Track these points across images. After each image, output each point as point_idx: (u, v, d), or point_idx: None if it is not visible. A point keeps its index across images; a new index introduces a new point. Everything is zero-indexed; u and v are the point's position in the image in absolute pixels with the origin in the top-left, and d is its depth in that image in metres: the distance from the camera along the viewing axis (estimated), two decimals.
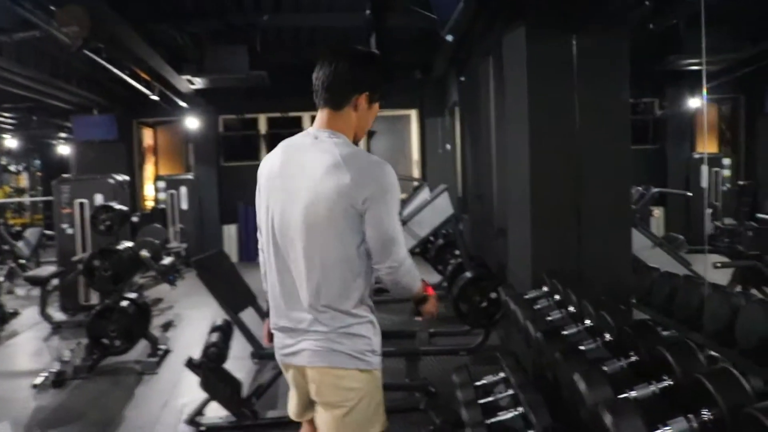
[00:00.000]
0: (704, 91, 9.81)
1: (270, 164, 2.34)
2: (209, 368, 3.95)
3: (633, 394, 2.03)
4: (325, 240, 2.11)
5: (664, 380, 2.02)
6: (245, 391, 4.61)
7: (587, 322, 2.70)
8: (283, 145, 2.35)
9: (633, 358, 2.26)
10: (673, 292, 3.49)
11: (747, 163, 12.32)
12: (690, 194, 11.21)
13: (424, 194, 8.21)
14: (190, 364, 4.05)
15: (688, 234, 9.84)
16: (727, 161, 11.89)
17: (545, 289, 3.38)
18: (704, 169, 11.24)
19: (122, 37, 6.49)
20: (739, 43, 8.54)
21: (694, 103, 11.64)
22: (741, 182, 11.46)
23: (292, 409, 2.41)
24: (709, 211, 11.37)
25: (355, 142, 2.27)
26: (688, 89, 11.38)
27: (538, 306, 3.19)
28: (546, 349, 2.49)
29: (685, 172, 11.74)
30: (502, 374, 3.25)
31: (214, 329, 4.30)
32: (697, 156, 11.96)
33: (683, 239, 8.16)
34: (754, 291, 4.58)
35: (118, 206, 6.34)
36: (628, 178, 3.90)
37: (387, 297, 6.83)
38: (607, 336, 2.49)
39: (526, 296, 3.37)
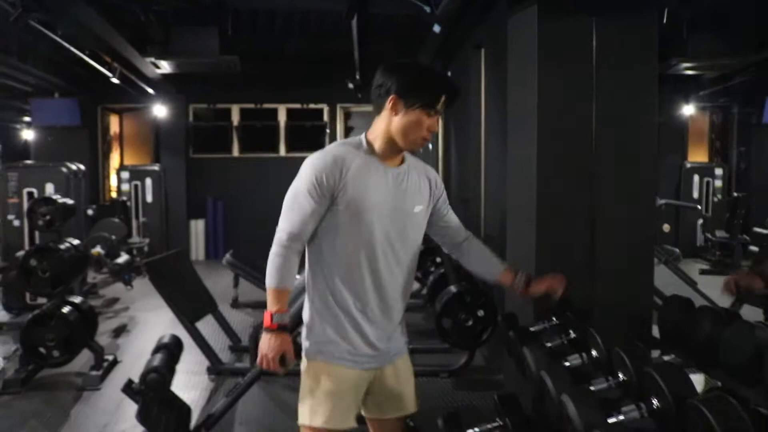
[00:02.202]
0: None
1: None
2: (149, 397, 3.33)
3: None
4: None
5: None
6: (195, 418, 4.01)
7: (620, 376, 2.13)
8: None
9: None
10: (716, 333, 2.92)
11: (738, 174, 11.93)
12: (699, 207, 10.77)
13: None
14: (128, 389, 3.43)
15: (677, 246, 9.42)
16: (719, 171, 11.47)
17: (555, 320, 2.81)
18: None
19: (75, 10, 5.82)
20: (741, 49, 8.07)
21: (688, 110, 11.21)
22: (736, 194, 11.03)
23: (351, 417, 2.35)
24: (699, 221, 10.97)
25: (399, 149, 2.34)
26: (683, 95, 10.93)
27: (549, 344, 2.61)
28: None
29: (677, 182, 11.31)
30: (498, 422, 2.68)
31: (159, 348, 3.68)
32: (689, 165, 11.53)
33: (678, 252, 7.68)
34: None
35: (61, 199, 5.64)
36: (652, 189, 3.34)
37: None
38: (655, 403, 1.93)
39: (533, 329, 2.80)
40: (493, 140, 6.14)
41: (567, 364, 2.41)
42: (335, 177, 2.22)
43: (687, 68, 8.65)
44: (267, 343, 2.22)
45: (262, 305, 7.20)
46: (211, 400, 4.71)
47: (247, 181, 11.52)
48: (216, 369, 5.23)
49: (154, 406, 3.38)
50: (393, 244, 2.31)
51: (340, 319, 2.29)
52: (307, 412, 2.30)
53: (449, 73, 8.84)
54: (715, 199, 11.31)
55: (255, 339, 5.24)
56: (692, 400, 1.72)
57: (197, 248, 11.72)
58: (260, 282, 7.08)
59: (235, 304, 7.66)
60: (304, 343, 2.33)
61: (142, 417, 3.36)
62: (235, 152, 11.81)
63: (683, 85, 10.07)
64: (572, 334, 2.62)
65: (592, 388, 2.13)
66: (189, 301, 5.36)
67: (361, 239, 2.26)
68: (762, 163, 11.53)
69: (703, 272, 5.50)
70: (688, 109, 11.23)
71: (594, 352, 2.38)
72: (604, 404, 1.93)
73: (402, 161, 2.38)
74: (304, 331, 2.34)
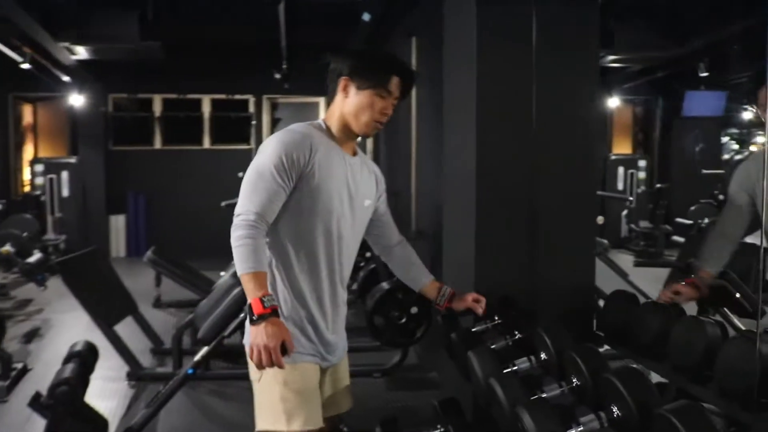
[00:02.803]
0: None
1: None
2: (58, 412, 3.04)
3: None
4: None
5: None
6: (113, 430, 3.73)
7: (574, 380, 2.01)
8: None
9: None
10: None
11: (661, 166, 12.20)
12: (631, 199, 10.93)
13: None
14: (36, 403, 3.13)
15: (602, 236, 9.53)
16: (642, 163, 11.70)
17: (497, 320, 2.67)
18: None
19: None
20: (667, 42, 8.20)
21: (612, 102, 11.38)
22: (659, 185, 11.28)
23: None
24: (624, 212, 11.16)
25: (353, 134, 2.26)
26: (607, 88, 11.09)
27: (493, 345, 2.47)
28: None
29: (602, 174, 11.47)
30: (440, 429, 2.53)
31: (70, 357, 3.38)
32: (614, 157, 11.73)
33: (607, 244, 7.73)
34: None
35: None
36: (594, 181, 3.24)
37: None
38: (615, 411, 1.83)
39: (474, 329, 2.66)
40: (426, 131, 6.01)
41: (515, 368, 2.27)
42: (305, 156, 2.10)
43: (613, 60, 8.75)
44: (263, 332, 1.93)
45: (185, 305, 7.03)
46: (131, 410, 4.42)
47: (170, 175, 11.10)
48: (136, 374, 4.93)
49: (64, 422, 3.09)
50: (346, 235, 2.23)
51: (299, 313, 2.18)
52: (282, 419, 2.13)
53: None
54: (639, 191, 11.54)
55: (178, 341, 4.97)
56: (661, 410, 1.61)
57: (117, 245, 11.24)
58: (184, 280, 6.80)
59: (158, 303, 7.31)
60: None
61: None
62: (158, 144, 11.35)
63: (608, 77, 10.18)
64: (518, 335, 2.49)
65: (544, 395, 2.00)
66: (106, 303, 5.04)
67: (322, 227, 2.16)
68: (682, 155, 11.83)
69: (639, 264, 5.51)
70: (612, 102, 11.38)
71: (543, 355, 2.25)
72: (561, 413, 1.81)
73: (355, 152, 2.31)
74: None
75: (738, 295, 3.79)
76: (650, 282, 5.87)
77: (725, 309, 3.96)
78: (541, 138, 2.95)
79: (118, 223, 11.25)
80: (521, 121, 2.96)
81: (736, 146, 18.87)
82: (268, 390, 2.16)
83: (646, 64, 9.35)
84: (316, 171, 2.10)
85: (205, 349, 3.65)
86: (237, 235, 2.02)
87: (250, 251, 2.00)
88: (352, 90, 2.20)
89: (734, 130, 19.43)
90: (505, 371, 2.20)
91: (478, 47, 2.96)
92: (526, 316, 2.53)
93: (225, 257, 8.07)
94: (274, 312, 1.98)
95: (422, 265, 2.61)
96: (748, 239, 7.05)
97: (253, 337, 1.96)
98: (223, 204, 6.72)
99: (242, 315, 3.66)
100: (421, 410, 4.43)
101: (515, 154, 3.00)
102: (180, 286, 6.86)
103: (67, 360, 3.37)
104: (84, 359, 3.40)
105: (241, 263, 2.00)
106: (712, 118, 11.70)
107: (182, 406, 4.38)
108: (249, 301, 1.99)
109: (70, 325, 6.41)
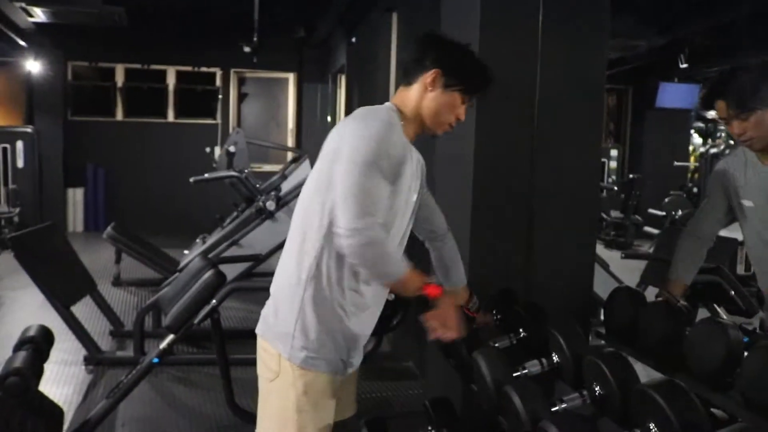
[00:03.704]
0: None
1: None
2: (8, 405, 2.77)
3: None
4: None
5: None
6: (69, 420, 3.46)
7: (597, 390, 1.81)
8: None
9: None
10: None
11: (632, 156, 12.18)
12: (615, 188, 10.86)
13: (306, 168, 7.20)
14: None
15: None
16: (614, 152, 11.65)
17: (496, 314, 2.48)
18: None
19: None
20: (648, 31, 8.08)
21: None
22: (631, 175, 11.24)
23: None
24: None
25: (424, 129, 2.10)
26: None
27: (496, 344, 2.27)
28: None
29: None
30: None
31: (22, 343, 3.10)
32: None
33: None
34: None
35: None
36: (597, 171, 3.04)
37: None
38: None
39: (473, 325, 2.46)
40: None
41: (525, 371, 2.07)
42: (399, 153, 1.94)
43: None
44: (447, 311, 1.99)
45: (147, 283, 6.74)
46: (89, 397, 4.14)
47: (132, 148, 10.68)
48: (94, 359, 4.64)
49: (15, 414, 2.82)
50: (408, 232, 2.11)
51: (344, 320, 1.97)
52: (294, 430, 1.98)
53: (353, 40, 8.41)
54: (610, 180, 11.48)
55: (140, 323, 4.69)
56: (641, 385, 1.57)
57: (75, 219, 10.77)
58: (145, 258, 6.50)
59: (117, 282, 6.98)
60: (287, 349, 1.95)
61: (1, 428, 2.79)
62: (119, 116, 10.89)
63: None
64: (522, 333, 2.29)
65: (564, 405, 1.81)
66: (62, 281, 4.73)
67: (396, 225, 2.00)
68: (654, 146, 11.80)
69: (626, 257, 5.35)
70: None
71: (555, 357, 2.05)
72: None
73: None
74: (286, 331, 1.96)
75: (732, 292, 3.70)
76: (623, 272, 5.73)
77: (715, 305, 3.87)
78: (542, 124, 2.75)
79: (76, 196, 10.79)
80: (523, 106, 2.76)
81: (699, 140, 19.08)
82: (283, 395, 1.98)
83: (626, 53, 9.24)
84: (401, 170, 1.94)
85: (171, 337, 3.38)
86: (368, 242, 1.79)
87: (396, 258, 1.90)
88: (440, 86, 2.03)
89: (700, 124, 19.65)
90: (514, 374, 2.00)
91: (482, 26, 2.74)
92: (532, 312, 2.33)
93: (188, 235, 7.82)
94: (444, 291, 2.02)
95: (461, 266, 2.43)
96: (723, 233, 6.92)
97: (439, 314, 1.97)
98: (191, 180, 6.43)
99: (213, 302, 3.40)
100: (397, 401, 4.26)
101: (515, 143, 2.80)
102: (141, 264, 6.59)
103: (18, 346, 3.08)
104: (37, 345, 3.12)
105: (392, 267, 1.89)
106: (684, 110, 11.69)
107: (143, 394, 4.09)
108: (418, 290, 1.95)
109: (23, 303, 6.07)
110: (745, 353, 1.93)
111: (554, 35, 2.77)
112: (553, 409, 1.76)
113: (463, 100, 2.06)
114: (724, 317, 3.80)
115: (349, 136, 1.90)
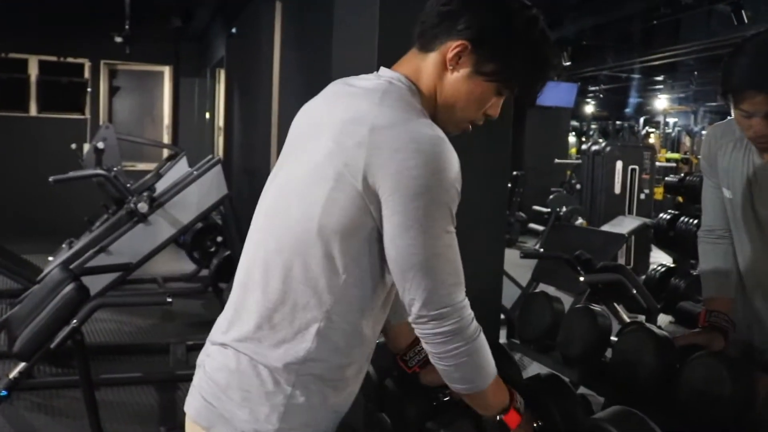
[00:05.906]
0: None
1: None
2: None
3: None
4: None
5: None
6: None
7: None
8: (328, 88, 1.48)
9: None
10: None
11: (514, 154, 12.36)
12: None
13: (183, 167, 6.76)
14: None
15: None
16: None
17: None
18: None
19: None
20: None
21: None
22: (515, 172, 11.40)
23: None
24: None
25: (435, 122, 1.32)
26: None
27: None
28: None
29: None
30: None
31: None
32: None
33: None
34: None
35: None
36: (506, 166, 2.84)
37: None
38: None
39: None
40: (290, 105, 5.50)
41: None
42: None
43: None
44: None
45: (4, 295, 6.12)
46: None
47: None
48: None
49: None
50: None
51: (348, 378, 1.38)
52: None
53: (234, 31, 8.04)
54: None
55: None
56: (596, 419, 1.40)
57: None
58: (1, 266, 5.88)
59: None
60: (265, 426, 1.30)
61: None
62: None
63: None
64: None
65: None
66: None
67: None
68: (535, 144, 12.05)
69: (525, 256, 5.20)
70: None
71: None
72: None
73: None
74: (264, 398, 1.29)
75: (634, 291, 3.66)
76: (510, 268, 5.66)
77: (614, 304, 3.83)
78: None
79: None
80: None
81: (573, 138, 19.87)
82: None
83: None
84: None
85: (22, 365, 2.92)
86: (468, 337, 1.30)
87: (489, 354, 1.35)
88: (468, 66, 1.34)
89: (575, 123, 20.49)
90: None
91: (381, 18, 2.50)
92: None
93: (52, 239, 7.20)
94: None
95: None
96: (605, 227, 6.94)
97: None
98: (51, 180, 5.84)
99: (74, 322, 2.96)
100: None
101: None
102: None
103: None
104: None
105: (482, 369, 1.34)
106: (563, 108, 12.00)
107: None
108: (499, 414, 1.40)
109: None
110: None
111: None
112: None
113: (499, 94, 1.38)
114: (624, 315, 3.77)
115: (404, 170, 1.22)
